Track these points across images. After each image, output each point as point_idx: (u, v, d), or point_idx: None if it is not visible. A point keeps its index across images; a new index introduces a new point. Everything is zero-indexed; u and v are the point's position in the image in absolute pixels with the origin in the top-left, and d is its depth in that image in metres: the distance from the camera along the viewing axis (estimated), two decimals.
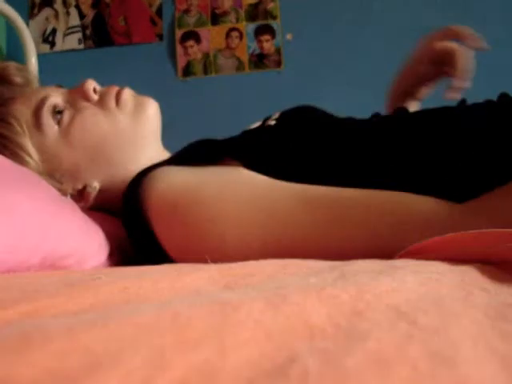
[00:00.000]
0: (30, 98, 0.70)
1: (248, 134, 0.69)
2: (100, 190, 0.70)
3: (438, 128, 0.57)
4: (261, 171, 0.59)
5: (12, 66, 0.76)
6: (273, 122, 0.73)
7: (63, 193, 0.67)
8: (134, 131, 0.70)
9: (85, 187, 0.70)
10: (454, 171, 0.53)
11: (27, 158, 0.67)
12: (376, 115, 0.70)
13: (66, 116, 0.68)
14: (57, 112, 0.68)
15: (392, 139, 0.58)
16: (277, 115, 0.77)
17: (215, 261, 0.37)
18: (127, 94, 0.71)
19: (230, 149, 0.63)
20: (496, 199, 0.46)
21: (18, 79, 0.75)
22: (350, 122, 0.68)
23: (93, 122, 0.68)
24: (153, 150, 0.73)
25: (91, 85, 0.70)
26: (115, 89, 0.71)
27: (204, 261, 0.40)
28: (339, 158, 0.58)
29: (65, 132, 0.68)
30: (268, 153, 0.61)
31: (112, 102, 0.70)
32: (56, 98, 0.70)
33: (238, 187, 0.57)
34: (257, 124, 0.81)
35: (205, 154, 0.63)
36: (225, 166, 0.61)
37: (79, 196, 0.70)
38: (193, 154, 0.66)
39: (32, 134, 0.68)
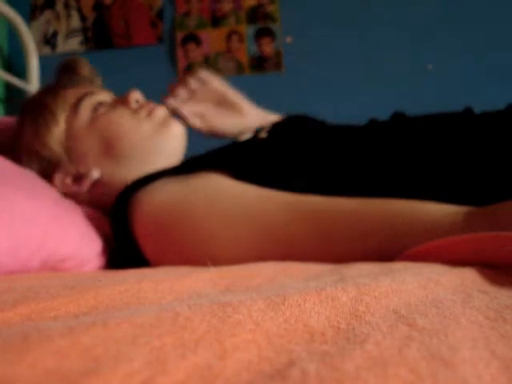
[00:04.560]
0: (82, 89, 0.77)
1: (240, 146, 0.69)
2: (97, 181, 0.73)
3: (436, 133, 0.57)
4: (254, 183, 0.58)
5: (85, 62, 0.85)
6: (264, 135, 0.75)
7: (66, 173, 0.73)
8: (151, 140, 0.74)
9: (86, 173, 0.73)
10: (452, 177, 0.52)
11: (54, 128, 0.73)
12: (373, 120, 0.70)
13: (102, 109, 0.74)
14: (97, 105, 0.75)
15: (388, 147, 0.58)
16: (269, 126, 0.78)
17: None
18: (162, 110, 0.77)
19: (222, 160, 0.63)
20: (502, 213, 0.43)
21: (84, 72, 0.83)
22: (345, 130, 0.67)
23: (118, 118, 0.74)
24: (163, 165, 0.74)
25: (135, 95, 0.77)
26: (154, 104, 0.77)
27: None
28: (334, 168, 0.57)
29: (93, 120, 0.73)
30: (262, 166, 0.61)
31: (145, 112, 0.76)
32: (104, 97, 0.77)
33: (228, 202, 0.55)
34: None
35: (196, 167, 0.64)
36: (212, 176, 0.61)
37: (77, 179, 0.73)
38: (184, 167, 0.66)
39: (68, 112, 0.74)
